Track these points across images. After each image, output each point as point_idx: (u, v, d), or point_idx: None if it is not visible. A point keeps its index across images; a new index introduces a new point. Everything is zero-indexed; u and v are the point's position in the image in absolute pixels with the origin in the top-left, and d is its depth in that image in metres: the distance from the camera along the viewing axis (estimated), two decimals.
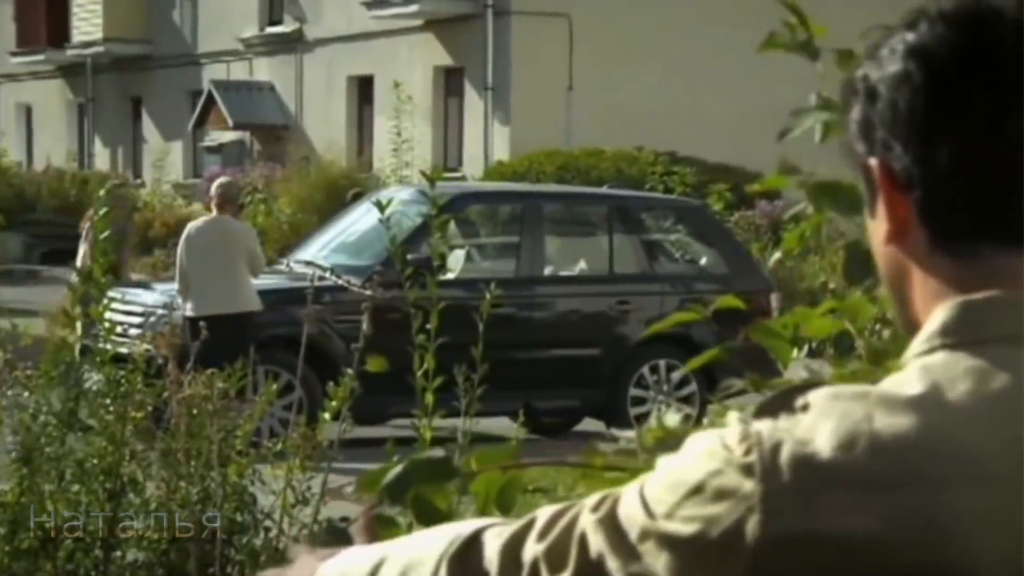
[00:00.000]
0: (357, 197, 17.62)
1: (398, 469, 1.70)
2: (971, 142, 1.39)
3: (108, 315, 6.36)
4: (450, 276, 12.11)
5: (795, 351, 2.04)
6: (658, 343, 13.31)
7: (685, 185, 23.12)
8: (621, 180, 21.77)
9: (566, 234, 14.74)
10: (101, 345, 6.25)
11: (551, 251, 14.18)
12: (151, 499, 6.10)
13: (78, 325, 6.51)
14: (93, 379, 6.21)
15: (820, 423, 1.34)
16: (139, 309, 12.53)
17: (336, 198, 22.87)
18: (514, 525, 1.48)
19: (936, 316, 1.41)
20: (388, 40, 29.61)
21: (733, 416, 1.41)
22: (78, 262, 13.59)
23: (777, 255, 2.25)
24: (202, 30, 34.73)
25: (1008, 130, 1.39)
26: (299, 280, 12.63)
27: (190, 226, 12.89)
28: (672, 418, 1.91)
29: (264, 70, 33.06)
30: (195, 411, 6.16)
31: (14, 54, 38.56)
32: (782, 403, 1.38)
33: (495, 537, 1.48)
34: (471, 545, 1.49)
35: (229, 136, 33.06)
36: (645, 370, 13.60)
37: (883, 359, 1.87)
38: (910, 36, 1.43)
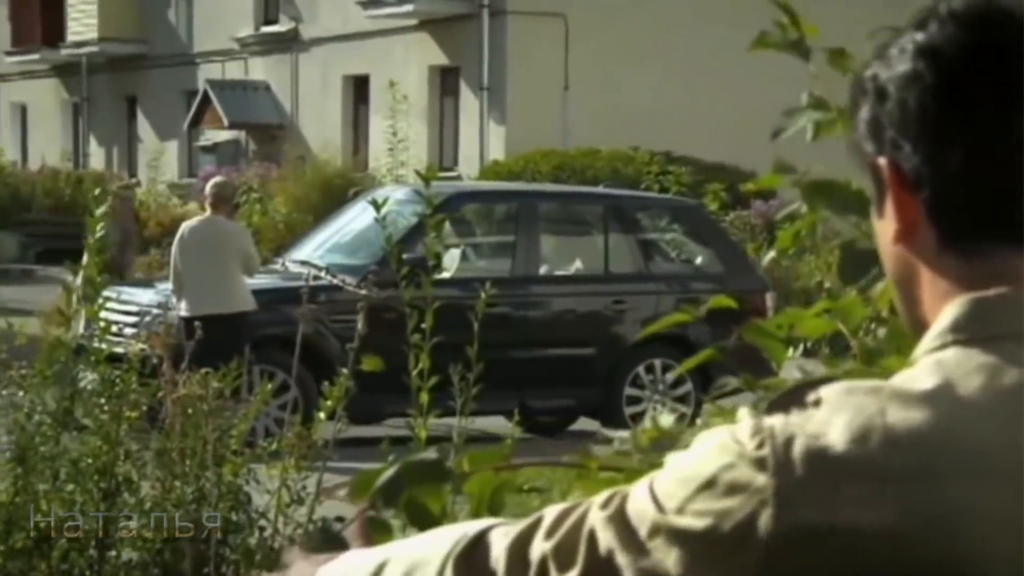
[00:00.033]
0: (358, 196, 17.63)
1: (391, 472, 1.70)
2: (981, 142, 1.40)
3: (104, 314, 6.36)
4: (445, 275, 12.13)
5: (790, 351, 2.04)
6: (653, 343, 13.32)
7: (681, 185, 23.13)
8: (617, 180, 21.79)
9: (562, 233, 14.74)
10: (96, 344, 6.25)
11: (547, 250, 14.18)
12: (146, 499, 6.09)
13: (81, 322, 6.50)
14: (88, 378, 6.20)
15: (833, 417, 1.34)
16: (134, 308, 12.53)
17: (331, 197, 22.87)
18: (520, 524, 1.47)
19: (947, 313, 1.41)
20: (384, 39, 29.61)
21: (744, 412, 1.41)
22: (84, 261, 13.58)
23: (772, 254, 2.24)
24: (197, 29, 34.72)
25: (1018, 130, 1.39)
26: (294, 279, 12.64)
27: (184, 226, 12.89)
28: (666, 418, 1.91)
29: (259, 69, 33.05)
30: (190, 410, 6.16)
31: (9, 53, 38.55)
32: (793, 399, 1.38)
33: (501, 536, 1.47)
34: (477, 545, 1.48)
35: (224, 135, 33.05)
36: (641, 369, 13.61)
37: (876, 359, 1.87)
38: (920, 36, 1.43)
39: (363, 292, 10.77)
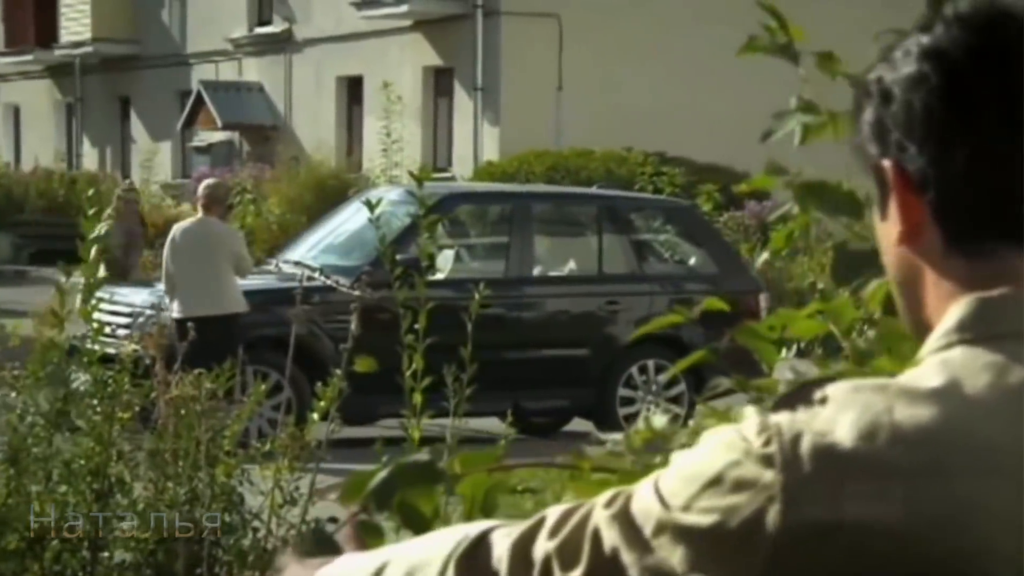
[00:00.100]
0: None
1: (383, 474, 1.69)
2: (986, 143, 1.40)
3: (97, 315, 6.36)
4: (439, 276, 12.12)
5: (783, 352, 2.04)
6: (647, 343, 13.32)
7: (674, 185, 23.14)
8: (610, 180, 21.80)
9: (555, 234, 14.75)
10: (89, 345, 6.25)
11: (540, 251, 14.18)
12: (139, 500, 6.09)
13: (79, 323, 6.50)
14: (81, 379, 6.20)
15: (840, 415, 1.35)
16: (127, 309, 12.53)
17: (325, 198, 22.87)
18: (523, 525, 1.47)
19: (952, 313, 1.42)
20: (378, 40, 29.60)
21: (750, 409, 1.41)
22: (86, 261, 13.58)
23: (765, 255, 2.24)
24: (191, 30, 34.70)
25: (1022, 131, 1.40)
26: (288, 280, 12.65)
27: (175, 228, 12.89)
28: (660, 419, 1.91)
29: (253, 70, 33.04)
30: (183, 411, 6.15)
31: (2, 54, 38.51)
32: (799, 397, 1.38)
33: (503, 537, 1.47)
34: (479, 545, 1.48)
35: (218, 136, 33.03)
36: (634, 370, 13.61)
37: (867, 360, 1.87)
38: (925, 39, 1.44)
39: (357, 293, 10.77)
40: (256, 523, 6.17)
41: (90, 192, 6.72)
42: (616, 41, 27.50)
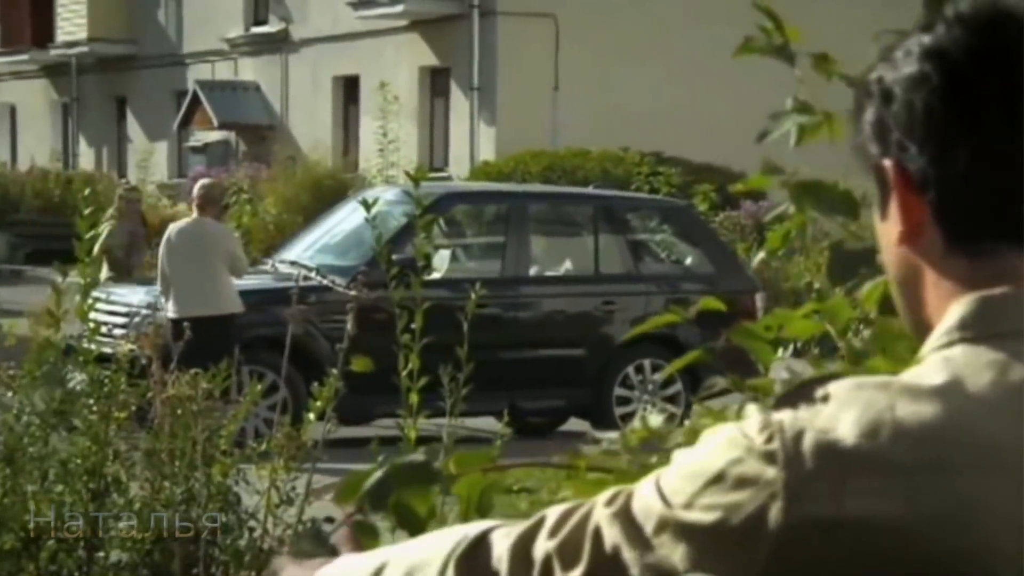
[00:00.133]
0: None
1: (379, 474, 1.69)
2: (987, 143, 1.41)
3: (93, 315, 6.36)
4: (435, 276, 12.12)
5: (779, 351, 2.04)
6: (643, 343, 13.33)
7: (670, 185, 23.13)
8: (607, 180, 21.78)
9: (552, 234, 14.76)
10: (85, 345, 6.25)
11: (536, 251, 14.19)
12: (135, 499, 6.09)
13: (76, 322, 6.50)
14: (77, 379, 6.20)
15: (842, 412, 1.35)
16: (124, 309, 12.53)
17: (322, 198, 22.85)
18: (523, 525, 1.47)
19: (953, 311, 1.42)
20: (374, 40, 29.60)
21: (753, 407, 1.41)
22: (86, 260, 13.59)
23: (761, 255, 2.24)
24: (187, 30, 34.69)
25: (1023, 131, 1.40)
26: (284, 280, 12.64)
27: (171, 228, 12.89)
28: (656, 418, 1.91)
29: (249, 70, 33.03)
30: (179, 411, 6.15)
31: None
32: (802, 394, 1.38)
33: (503, 537, 1.47)
34: (478, 545, 1.48)
35: (214, 136, 33.02)
36: (630, 370, 13.62)
37: (863, 360, 1.87)
38: (926, 38, 1.44)
39: (353, 293, 10.77)
40: (252, 523, 6.17)
41: (86, 192, 6.71)
42: (612, 41, 27.50)
